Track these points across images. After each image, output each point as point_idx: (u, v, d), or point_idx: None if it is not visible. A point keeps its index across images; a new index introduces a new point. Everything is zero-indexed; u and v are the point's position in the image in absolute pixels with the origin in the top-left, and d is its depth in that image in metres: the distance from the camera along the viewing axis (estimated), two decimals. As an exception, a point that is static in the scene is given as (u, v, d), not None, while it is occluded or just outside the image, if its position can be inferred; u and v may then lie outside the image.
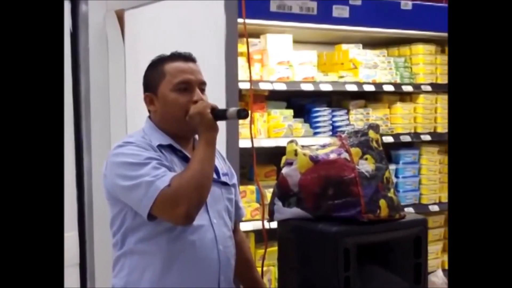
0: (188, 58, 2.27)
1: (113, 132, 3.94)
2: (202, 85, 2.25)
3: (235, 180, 2.44)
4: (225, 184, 2.33)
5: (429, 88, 4.23)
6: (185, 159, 2.23)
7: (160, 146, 2.21)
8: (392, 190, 2.30)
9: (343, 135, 2.38)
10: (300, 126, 3.74)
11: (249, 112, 2.30)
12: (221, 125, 2.27)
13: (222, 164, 2.39)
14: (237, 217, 2.45)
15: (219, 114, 2.18)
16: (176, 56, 2.27)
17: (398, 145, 4.20)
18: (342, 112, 3.95)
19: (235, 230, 2.41)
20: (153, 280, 2.15)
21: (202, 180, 2.08)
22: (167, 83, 2.22)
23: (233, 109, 2.20)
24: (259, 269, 2.58)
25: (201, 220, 2.17)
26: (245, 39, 2.98)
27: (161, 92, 2.23)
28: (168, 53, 2.30)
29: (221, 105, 2.74)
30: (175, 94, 2.21)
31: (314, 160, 2.28)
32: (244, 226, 3.18)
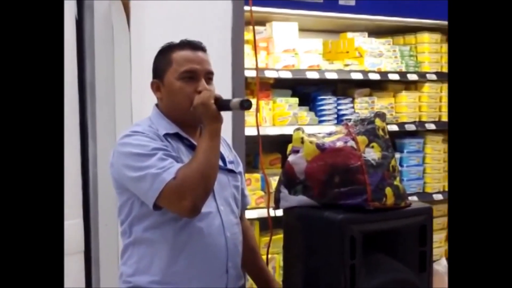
0: (197, 46, 2.24)
1: (118, 120, 3.93)
2: (208, 74, 2.22)
3: (241, 168, 2.43)
4: (231, 171, 2.33)
5: (434, 77, 4.23)
6: (192, 147, 2.22)
7: (166, 135, 2.20)
8: (398, 178, 2.30)
9: (349, 123, 2.38)
10: (305, 114, 3.75)
11: (253, 101, 2.28)
12: (227, 113, 2.25)
13: (228, 152, 2.39)
14: (243, 205, 2.45)
15: (222, 105, 2.14)
16: (185, 44, 2.24)
17: (403, 133, 4.21)
18: (347, 100, 3.95)
19: (240, 218, 2.40)
20: (162, 267, 2.15)
21: (207, 171, 2.07)
22: (173, 71, 2.20)
23: (236, 100, 2.16)
24: (263, 257, 2.59)
25: (209, 207, 2.17)
26: (250, 27, 2.98)
27: (167, 80, 2.22)
28: (176, 40, 2.28)
29: (227, 93, 2.73)
30: (180, 83, 2.19)
31: (321, 148, 2.27)
32: (249, 214, 3.19)
